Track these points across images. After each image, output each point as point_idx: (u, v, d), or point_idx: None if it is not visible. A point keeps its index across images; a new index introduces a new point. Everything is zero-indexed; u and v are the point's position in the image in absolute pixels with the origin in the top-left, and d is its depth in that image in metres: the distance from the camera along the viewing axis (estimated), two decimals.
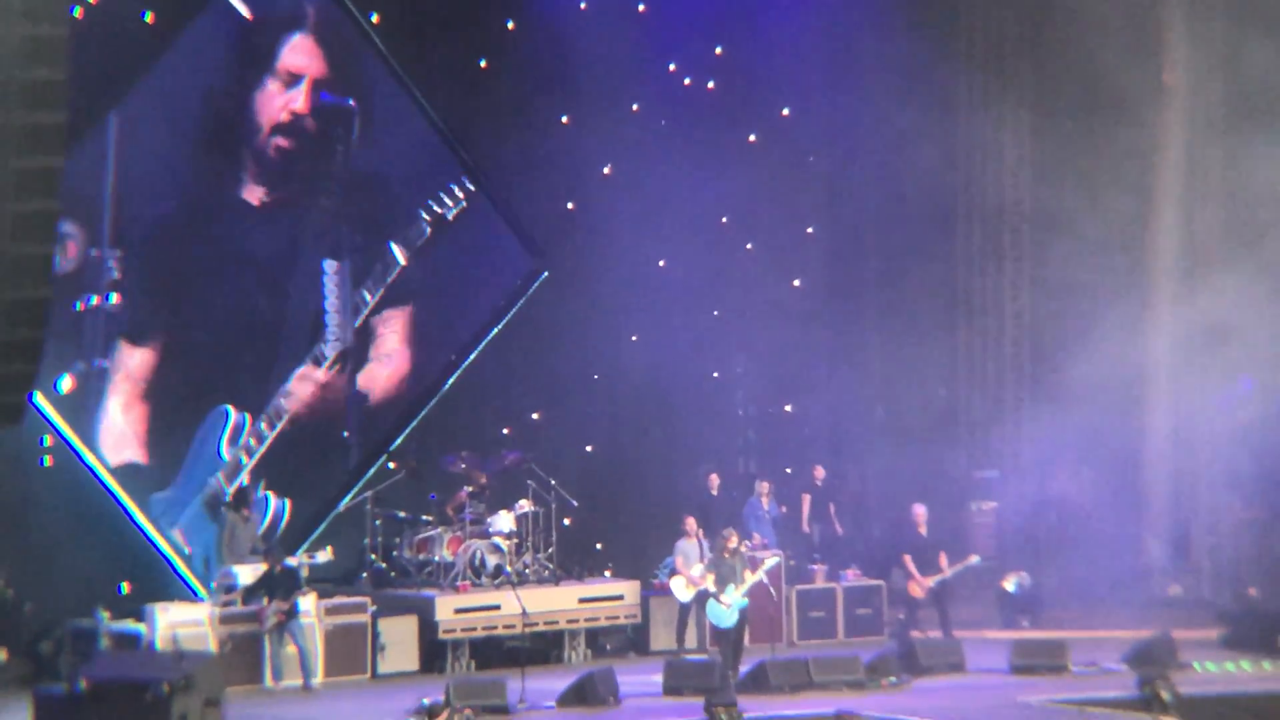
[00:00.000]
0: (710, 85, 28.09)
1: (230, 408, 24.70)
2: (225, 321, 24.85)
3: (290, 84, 25.27)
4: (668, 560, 24.79)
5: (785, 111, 28.53)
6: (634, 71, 27.32)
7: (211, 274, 24.83)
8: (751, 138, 28.42)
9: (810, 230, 28.94)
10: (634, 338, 27.21)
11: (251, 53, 25.09)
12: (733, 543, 23.16)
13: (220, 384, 24.74)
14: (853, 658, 22.57)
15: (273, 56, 25.22)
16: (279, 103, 25.24)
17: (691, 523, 24.15)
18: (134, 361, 24.21)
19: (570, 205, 27.26)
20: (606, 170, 27.27)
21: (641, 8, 27.52)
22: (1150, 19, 28.53)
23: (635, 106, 27.47)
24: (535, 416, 26.89)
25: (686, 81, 27.87)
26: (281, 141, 25.30)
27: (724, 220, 28.08)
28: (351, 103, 25.69)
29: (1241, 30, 27.50)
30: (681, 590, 23.93)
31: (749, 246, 28.36)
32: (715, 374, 28.34)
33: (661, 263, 27.79)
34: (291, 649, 22.15)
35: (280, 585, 22.18)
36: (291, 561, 22.74)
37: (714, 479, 26.28)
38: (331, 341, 25.60)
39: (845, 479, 27.79)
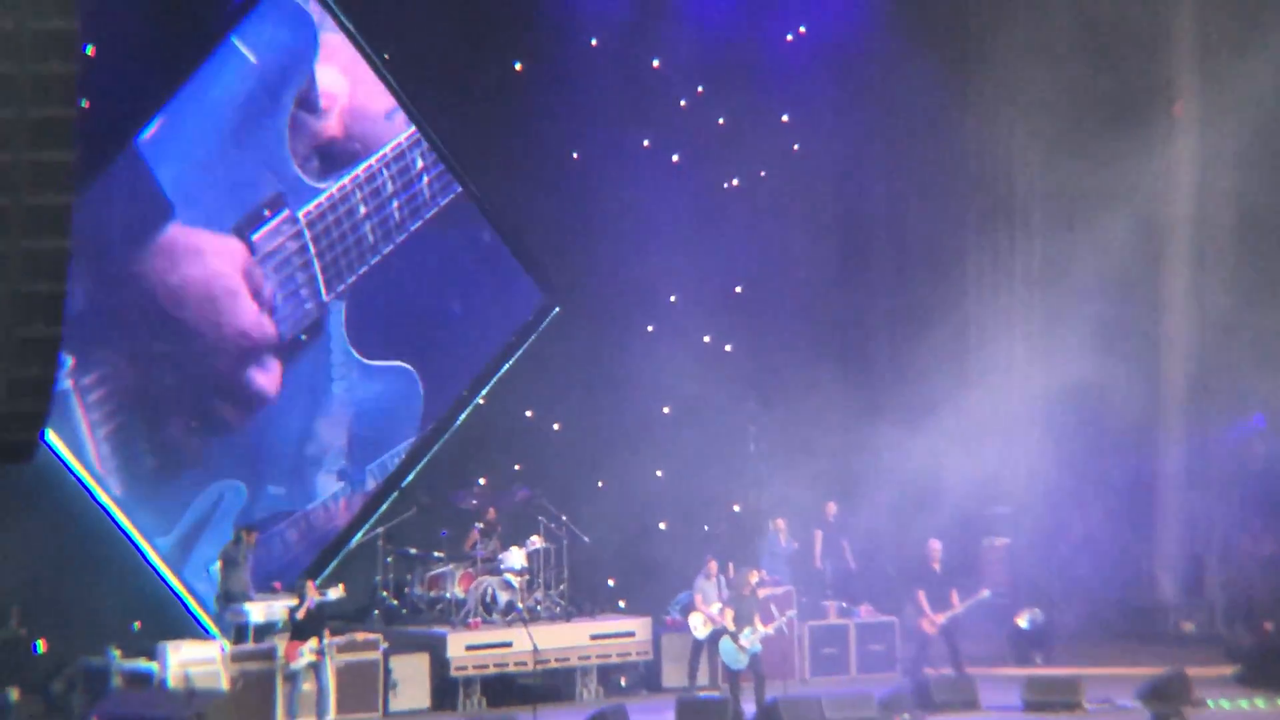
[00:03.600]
0: (720, 121, 28.12)
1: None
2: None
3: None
4: (680, 597, 24.72)
5: (795, 146, 28.56)
6: (644, 108, 27.34)
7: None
8: (762, 173, 28.43)
9: (822, 269, 28.92)
10: (644, 372, 27.20)
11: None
12: (754, 579, 23.18)
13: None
14: (866, 695, 22.47)
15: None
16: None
17: (713, 565, 24.12)
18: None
19: (582, 241, 27.25)
20: (617, 206, 27.26)
21: (651, 55, 27.57)
22: (1161, 48, 28.60)
23: (646, 142, 27.49)
24: (546, 453, 26.85)
25: (687, 108, 27.90)
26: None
27: (735, 256, 28.07)
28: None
29: (1252, 60, 27.53)
30: (699, 627, 23.86)
31: (759, 283, 28.37)
32: (726, 408, 28.31)
33: (673, 298, 27.81)
34: (309, 686, 22.10)
35: (313, 623, 22.16)
36: (318, 598, 22.67)
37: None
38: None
39: (857, 515, 27.72)
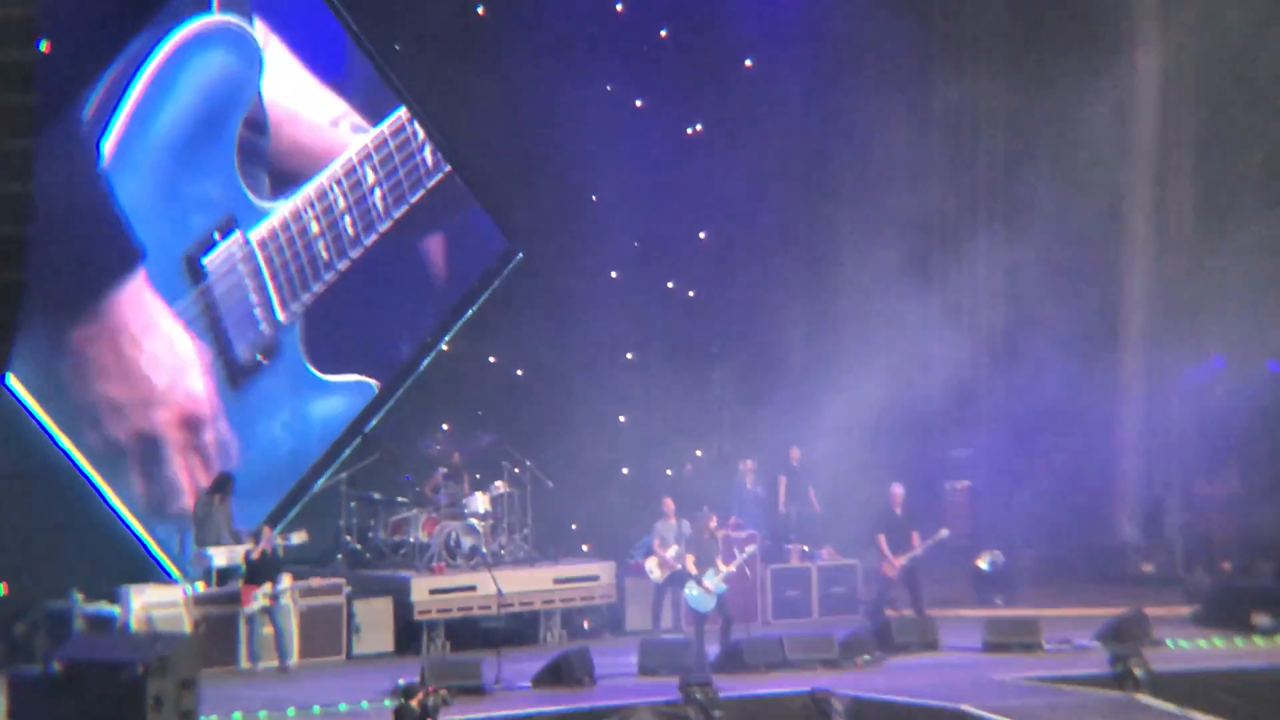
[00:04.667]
0: (683, 66, 28.08)
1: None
2: None
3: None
4: (644, 540, 24.81)
5: (765, 100, 28.49)
6: (607, 52, 27.30)
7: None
8: (729, 119, 28.41)
9: (785, 214, 28.96)
10: (608, 318, 27.25)
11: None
12: (713, 523, 23.27)
13: None
14: (827, 636, 22.61)
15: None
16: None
17: (669, 504, 24.17)
18: None
19: (545, 186, 27.24)
20: (580, 151, 27.21)
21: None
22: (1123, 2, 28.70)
23: (610, 87, 27.44)
24: (509, 398, 26.89)
25: (654, 44, 27.82)
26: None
27: (699, 201, 28.10)
28: None
29: (1214, 12, 27.61)
30: (655, 571, 23.93)
31: (722, 228, 28.40)
32: (689, 354, 28.37)
33: (636, 244, 27.82)
34: (269, 630, 22.20)
35: (268, 567, 22.25)
36: (280, 542, 22.75)
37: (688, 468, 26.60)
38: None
39: (820, 459, 27.81)
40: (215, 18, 24.64)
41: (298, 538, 23.29)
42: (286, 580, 22.36)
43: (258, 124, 25.04)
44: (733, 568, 23.03)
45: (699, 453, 27.86)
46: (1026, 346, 28.45)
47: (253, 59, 24.99)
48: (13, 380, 22.93)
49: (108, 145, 23.90)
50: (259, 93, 25.06)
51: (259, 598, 22.05)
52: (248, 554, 22.36)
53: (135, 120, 24.08)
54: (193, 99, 24.48)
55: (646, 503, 25.31)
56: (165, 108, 24.34)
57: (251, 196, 25.05)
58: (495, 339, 26.97)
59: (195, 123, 24.55)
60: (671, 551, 23.60)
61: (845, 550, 26.09)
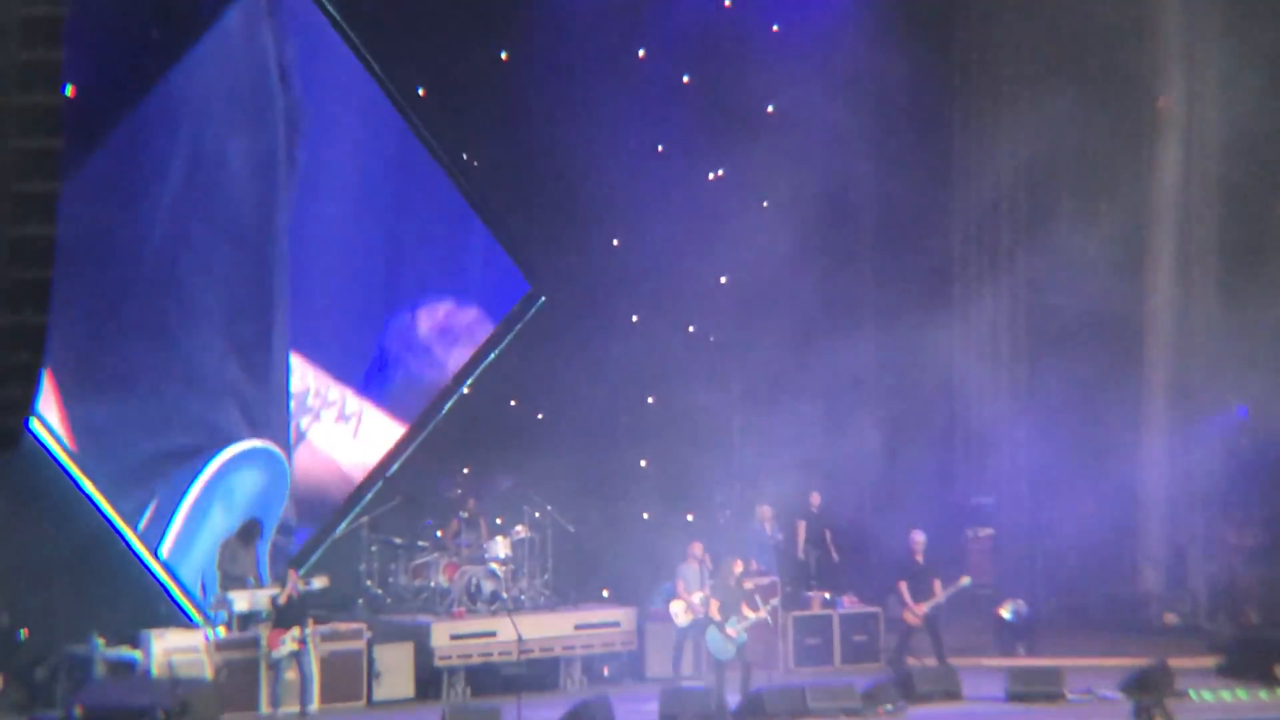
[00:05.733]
0: (705, 111, 28.10)
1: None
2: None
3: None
4: (664, 586, 24.75)
5: (787, 145, 28.47)
6: (631, 97, 27.30)
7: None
8: (751, 164, 28.41)
9: (806, 259, 28.94)
10: (629, 362, 27.22)
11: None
12: (738, 569, 23.21)
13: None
14: (849, 685, 22.52)
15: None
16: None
17: (698, 547, 24.11)
18: None
19: (567, 230, 27.24)
20: (602, 196, 27.22)
21: (637, 45, 27.52)
22: (1147, 42, 28.66)
23: (631, 132, 27.42)
24: (530, 442, 26.85)
25: (676, 90, 27.83)
26: None
27: (720, 246, 28.09)
28: None
29: (1238, 54, 27.62)
30: (680, 615, 23.86)
31: (743, 273, 28.39)
32: (710, 398, 28.32)
33: (657, 287, 27.79)
34: (293, 675, 22.12)
35: (296, 611, 22.20)
36: (302, 587, 22.70)
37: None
38: None
39: (841, 505, 27.75)
40: (245, 444, 24.58)
41: (318, 582, 23.23)
42: (309, 625, 22.30)
43: (288, 528, 25.02)
44: (760, 615, 22.96)
45: (725, 513, 27.78)
46: (1049, 394, 28.38)
47: (280, 475, 24.92)
48: (36, 424, 22.92)
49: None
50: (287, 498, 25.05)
51: (287, 642, 21.97)
52: (274, 598, 22.30)
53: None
54: (229, 520, 24.33)
55: (667, 548, 25.25)
56: (204, 532, 24.34)
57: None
58: (516, 382, 26.95)
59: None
60: (698, 596, 23.53)
61: (867, 598, 26.01)
